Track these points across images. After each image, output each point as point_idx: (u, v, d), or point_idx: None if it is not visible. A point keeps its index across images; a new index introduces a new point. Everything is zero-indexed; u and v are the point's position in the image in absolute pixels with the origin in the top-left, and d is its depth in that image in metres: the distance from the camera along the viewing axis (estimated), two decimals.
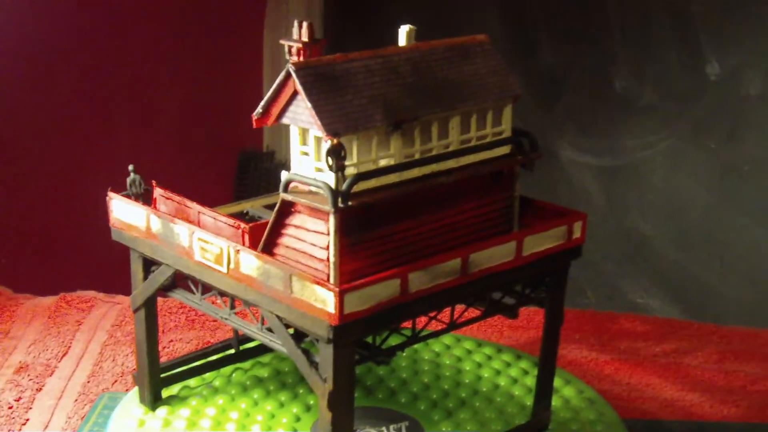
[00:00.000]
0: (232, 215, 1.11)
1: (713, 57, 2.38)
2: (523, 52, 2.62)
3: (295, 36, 1.03)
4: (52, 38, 2.20)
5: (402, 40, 1.09)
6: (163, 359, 1.33)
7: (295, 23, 1.03)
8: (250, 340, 1.32)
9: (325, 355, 0.97)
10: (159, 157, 2.47)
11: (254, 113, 1.00)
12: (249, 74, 2.86)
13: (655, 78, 2.48)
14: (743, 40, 2.33)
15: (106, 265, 1.60)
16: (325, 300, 0.94)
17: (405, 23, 1.09)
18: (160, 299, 1.53)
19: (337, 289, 0.93)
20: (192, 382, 1.29)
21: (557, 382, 1.30)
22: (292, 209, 1.00)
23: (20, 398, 1.36)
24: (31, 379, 1.41)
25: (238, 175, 2.87)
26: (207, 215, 1.09)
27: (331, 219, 0.95)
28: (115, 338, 1.55)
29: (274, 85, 0.98)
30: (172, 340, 1.54)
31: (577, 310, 1.73)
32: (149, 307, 1.21)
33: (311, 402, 1.25)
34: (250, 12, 2.89)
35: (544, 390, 1.22)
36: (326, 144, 0.94)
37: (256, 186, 2.78)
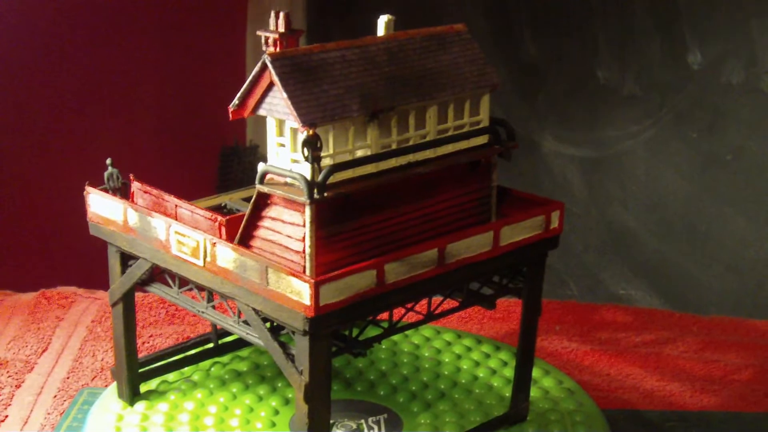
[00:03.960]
0: (211, 208, 1.11)
1: (695, 46, 2.38)
2: (506, 42, 2.62)
3: (272, 27, 1.02)
4: (28, 34, 2.18)
5: (380, 30, 1.08)
6: (142, 354, 1.32)
7: (272, 14, 1.02)
8: (229, 334, 1.31)
9: (301, 347, 0.97)
10: (141, 151, 2.46)
11: (230, 105, 1.00)
12: (232, 67, 2.85)
13: (637, 68, 2.48)
14: (725, 28, 2.33)
15: (88, 260, 1.59)
16: (301, 292, 0.94)
17: (387, 14, 1.08)
18: (140, 294, 1.52)
19: (312, 281, 0.93)
20: (171, 376, 1.28)
21: (537, 372, 1.30)
22: (269, 201, 1.00)
23: None
24: (10, 376, 1.40)
25: (221, 169, 2.86)
26: (184, 208, 1.09)
27: (307, 210, 0.95)
28: (95, 334, 1.54)
29: (251, 77, 0.98)
30: (152, 335, 1.53)
31: (558, 301, 1.73)
32: (127, 301, 1.20)
33: (290, 395, 1.25)
34: (233, 4, 2.88)
35: (522, 381, 1.21)
36: (302, 135, 0.94)
37: (239, 180, 2.78)
